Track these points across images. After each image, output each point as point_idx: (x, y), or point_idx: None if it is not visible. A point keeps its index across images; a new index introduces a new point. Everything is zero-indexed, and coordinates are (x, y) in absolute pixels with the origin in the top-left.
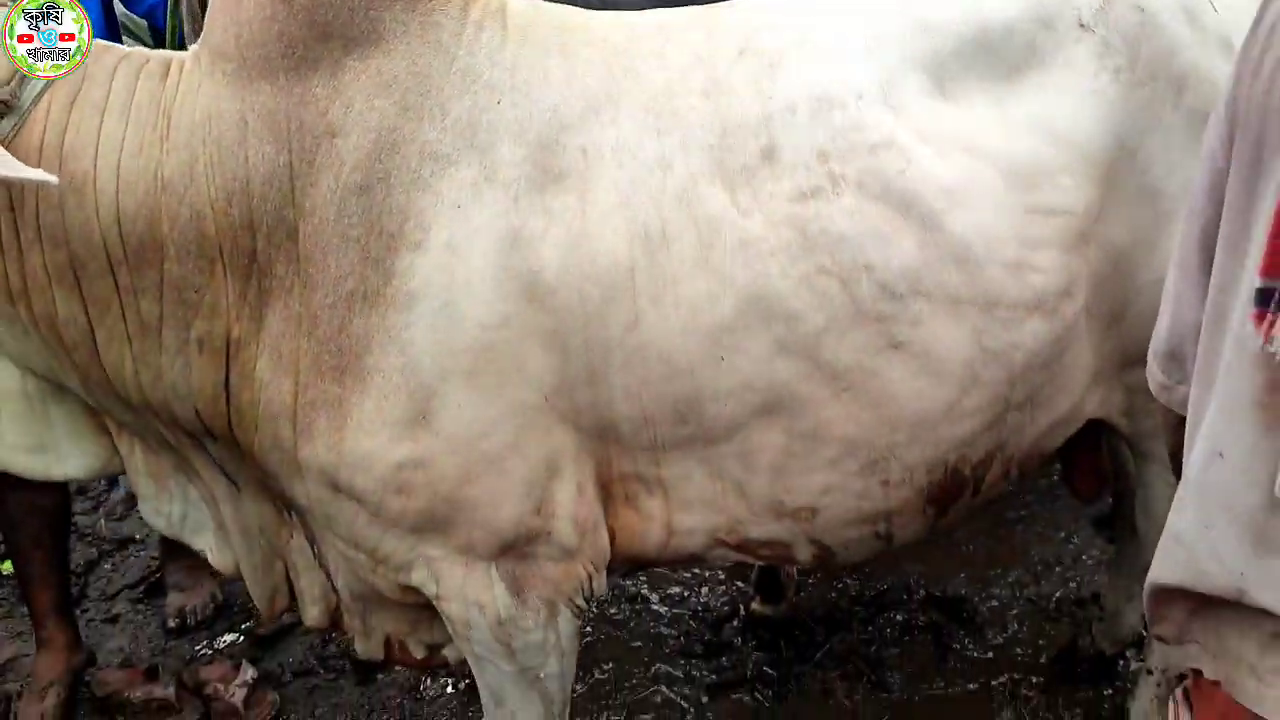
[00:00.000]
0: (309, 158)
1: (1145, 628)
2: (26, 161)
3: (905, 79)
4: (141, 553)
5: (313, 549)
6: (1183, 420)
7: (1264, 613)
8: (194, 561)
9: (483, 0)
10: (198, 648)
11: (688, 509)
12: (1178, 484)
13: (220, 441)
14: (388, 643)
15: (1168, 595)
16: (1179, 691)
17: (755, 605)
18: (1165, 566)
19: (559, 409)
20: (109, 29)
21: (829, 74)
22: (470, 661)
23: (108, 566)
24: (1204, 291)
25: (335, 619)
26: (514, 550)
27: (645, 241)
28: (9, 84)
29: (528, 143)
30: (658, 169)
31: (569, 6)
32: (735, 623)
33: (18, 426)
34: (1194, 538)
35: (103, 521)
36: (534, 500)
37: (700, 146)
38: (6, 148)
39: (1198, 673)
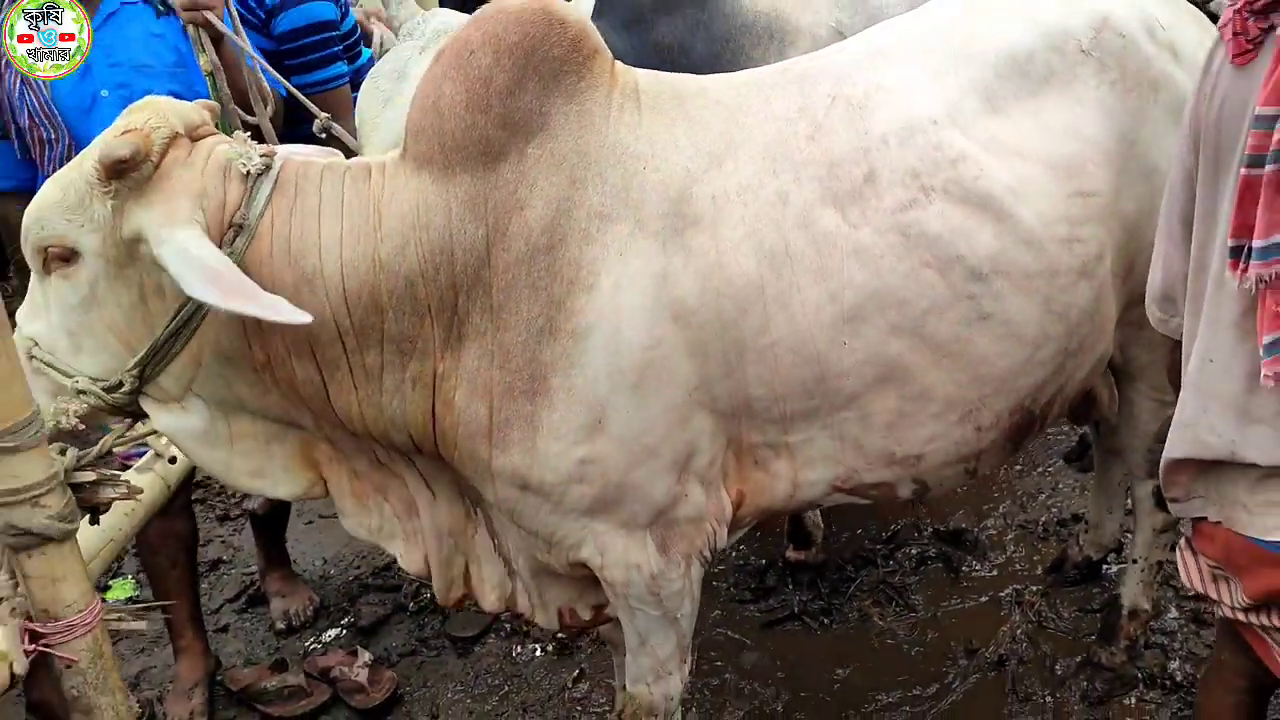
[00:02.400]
0: (502, 228)
1: (1126, 532)
2: (260, 268)
3: (964, 103)
4: (232, 570)
5: (493, 542)
6: (1177, 344)
7: (1251, 465)
8: (289, 570)
9: (620, 85)
10: (308, 644)
11: (811, 466)
12: (1173, 394)
13: (425, 457)
14: (559, 612)
15: (1177, 465)
16: (1182, 542)
17: (790, 553)
18: (1175, 446)
19: (699, 400)
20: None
21: (906, 108)
22: (622, 613)
23: (205, 585)
24: (1185, 251)
25: (509, 602)
26: (662, 516)
27: (771, 261)
28: (240, 208)
29: (669, 198)
30: (777, 202)
31: (684, 75)
32: (775, 570)
33: (247, 459)
34: (1195, 419)
35: None
36: (677, 472)
37: (811, 179)
38: (243, 260)
39: (1199, 522)
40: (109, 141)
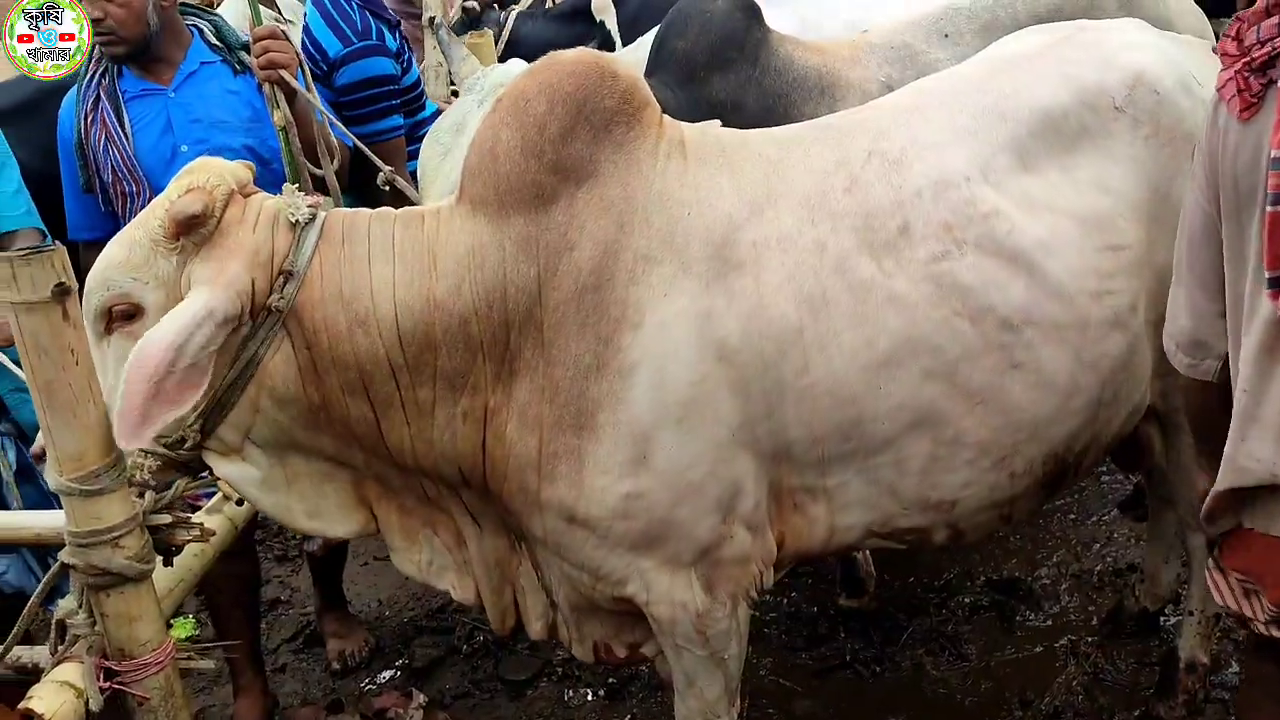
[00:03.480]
0: (553, 268)
1: (1183, 583)
2: (313, 312)
3: (997, 159)
4: (290, 611)
5: (537, 574)
6: (1203, 385)
7: None
8: (345, 611)
9: (668, 136)
10: (363, 684)
11: (848, 510)
12: (1197, 442)
13: (474, 490)
14: (595, 646)
15: (1221, 497)
16: (1210, 563)
17: (842, 601)
18: (1220, 480)
19: (743, 440)
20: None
21: (940, 164)
22: (669, 652)
23: (263, 625)
24: (1214, 294)
25: (552, 631)
26: (707, 556)
27: (810, 305)
28: (289, 255)
29: (712, 242)
30: (816, 250)
31: (729, 129)
32: (827, 618)
33: (303, 499)
34: (1235, 450)
35: None
36: (723, 513)
37: (848, 229)
38: (295, 305)
39: (1226, 538)
40: (177, 200)
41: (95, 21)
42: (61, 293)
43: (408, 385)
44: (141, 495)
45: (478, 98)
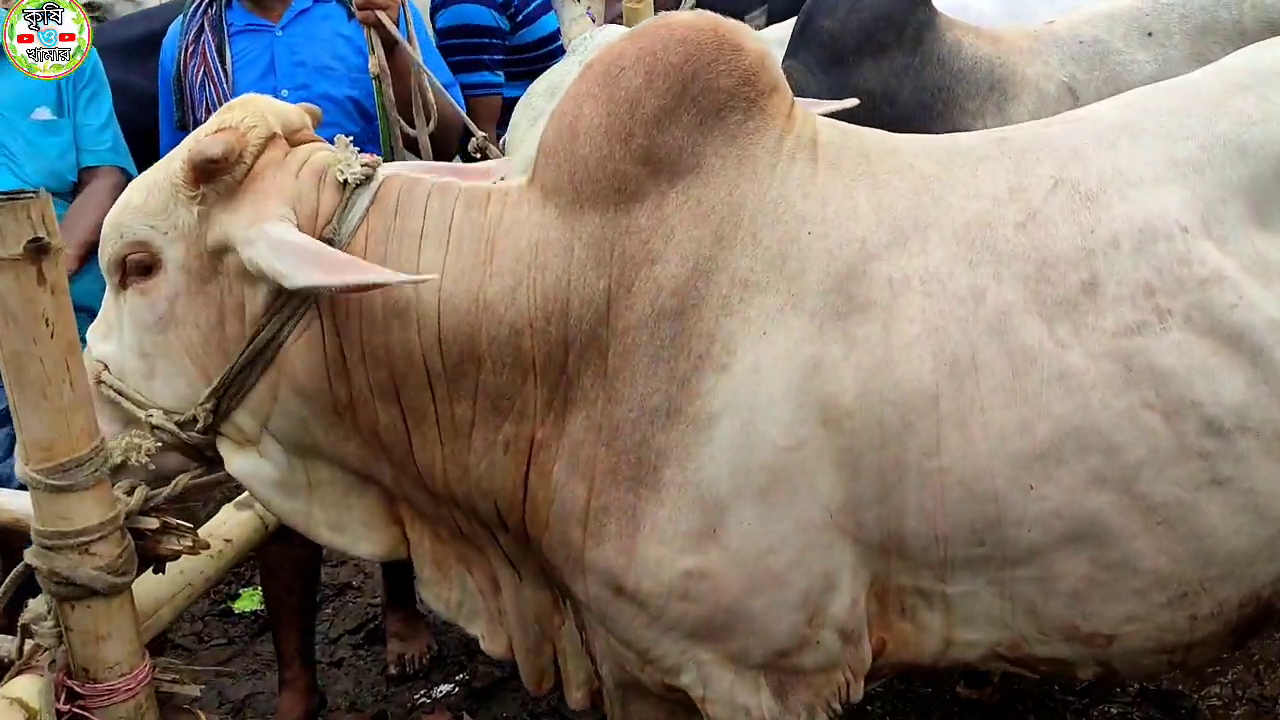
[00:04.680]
0: (628, 283)
1: None
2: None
3: (1226, 208)
4: (359, 600)
5: (581, 636)
6: None
7: None
8: (412, 611)
9: (796, 131)
10: (416, 696)
11: (970, 624)
12: None
13: (512, 534)
14: None
15: None
16: None
17: (961, 689)
18: None
19: (843, 525)
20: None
21: (1148, 206)
22: None
23: (329, 611)
24: None
25: (596, 701)
26: (783, 660)
27: (952, 369)
28: (330, 221)
29: (834, 272)
30: (969, 299)
31: (876, 132)
32: (941, 705)
33: (325, 508)
34: None
35: (323, 568)
36: (808, 612)
37: (1015, 278)
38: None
39: None
40: (200, 140)
41: None
42: (37, 250)
43: (444, 397)
44: (131, 492)
45: (579, 59)
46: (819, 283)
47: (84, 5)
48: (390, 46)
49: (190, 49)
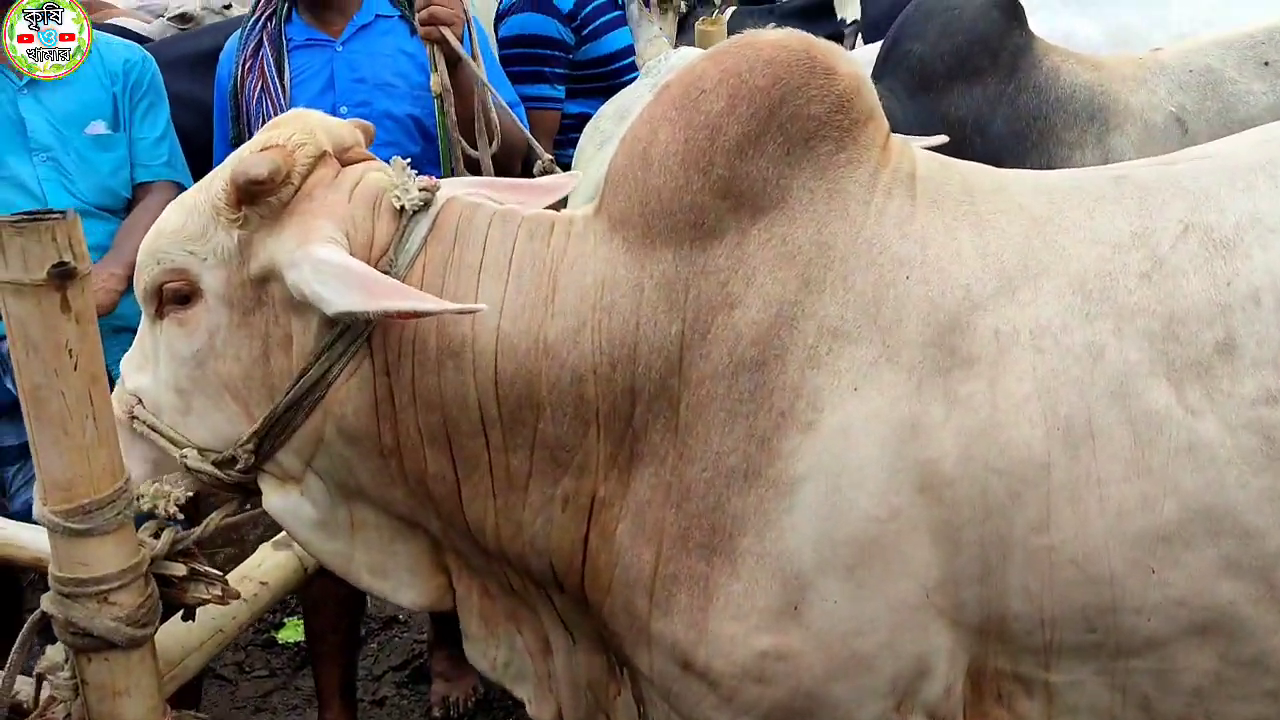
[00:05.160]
0: (703, 329)
1: None
2: (403, 330)
3: None
4: (405, 635)
5: (639, 709)
6: None
7: None
8: (459, 651)
9: (893, 164)
10: None
11: (1074, 716)
12: None
13: (568, 595)
14: None
15: None
16: None
17: None
18: None
19: (940, 605)
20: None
21: None
22: None
23: (374, 645)
24: None
25: None
26: None
27: (1066, 435)
28: (386, 252)
29: (935, 323)
30: (1086, 357)
31: (980, 166)
32: None
33: (367, 550)
34: None
35: (370, 600)
36: (897, 698)
37: (1139, 334)
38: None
39: None
40: (245, 158)
41: None
42: (62, 275)
43: (499, 446)
44: (157, 534)
45: (653, 81)
46: (917, 334)
47: (176, 16)
48: (453, 63)
49: (248, 64)
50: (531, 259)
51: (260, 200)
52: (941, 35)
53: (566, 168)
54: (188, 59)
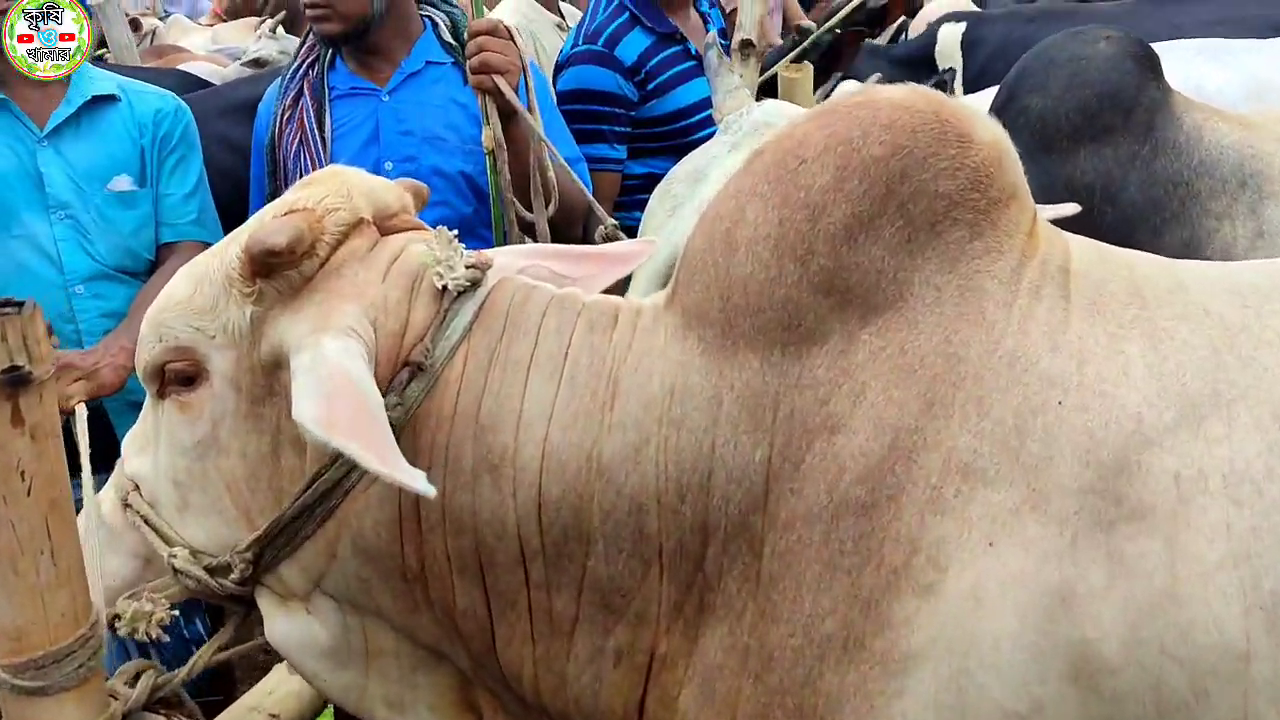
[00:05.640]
0: (796, 457)
1: None
2: (433, 431)
3: None
4: None
5: None
6: None
7: None
8: None
9: (1041, 255)
10: None
11: None
12: None
13: None
14: None
15: None
16: None
17: None
18: None
19: None
20: (477, 197)
21: None
22: None
23: None
24: None
25: None
26: None
27: (1271, 615)
28: (423, 339)
29: (1096, 462)
30: None
31: (1152, 258)
32: None
33: (384, 681)
34: None
35: None
36: None
37: None
38: (413, 416)
39: None
40: (264, 223)
41: None
42: (13, 381)
43: (540, 583)
44: (135, 678)
45: (731, 139)
46: (1072, 476)
47: (250, 61)
48: (508, 116)
49: (287, 114)
50: (589, 355)
51: (278, 273)
52: (1067, 89)
53: (631, 233)
54: (245, 105)
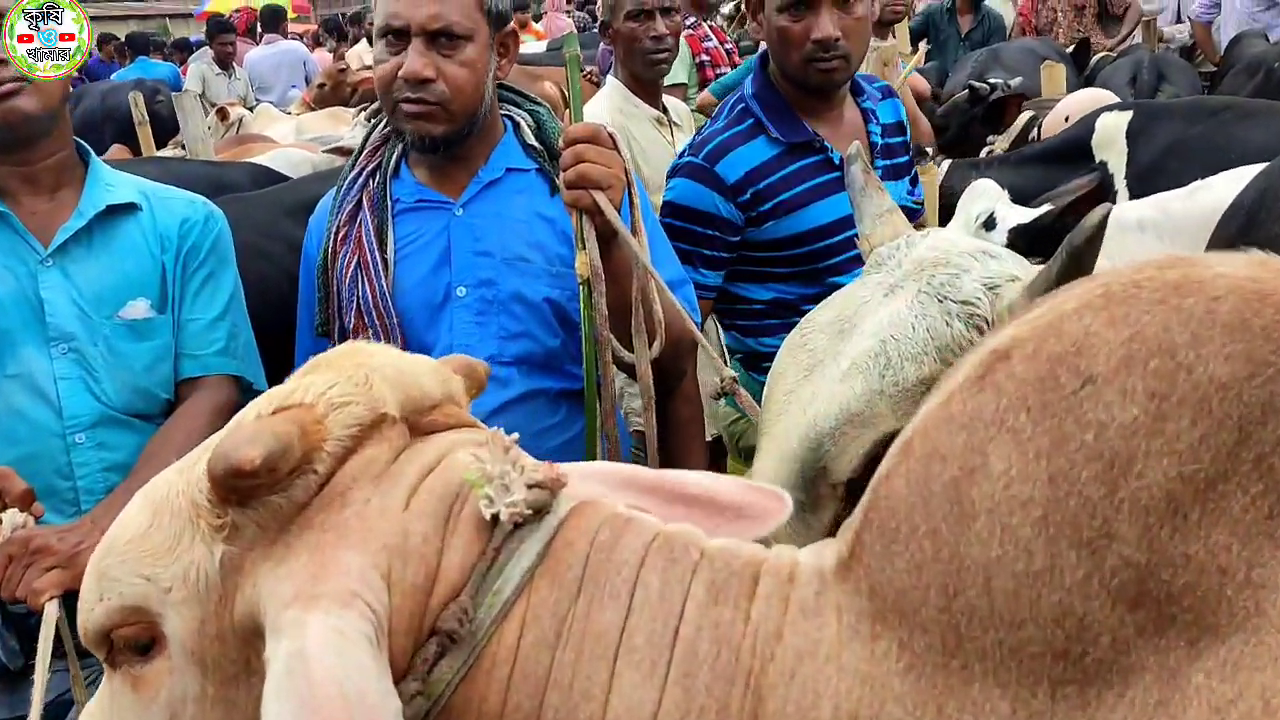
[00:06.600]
0: None
1: None
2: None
3: None
4: None
5: None
6: None
7: None
8: None
9: None
10: None
11: None
12: None
13: None
14: None
15: None
16: None
17: None
18: None
19: None
20: (565, 328)
21: None
22: None
23: None
24: None
25: None
26: None
27: None
28: (459, 595)
29: None
30: None
31: None
32: None
33: None
34: None
35: None
36: None
37: None
38: (444, 709)
39: None
40: (236, 431)
41: (419, 83)
42: None
43: None
44: None
45: (887, 280)
46: None
47: (334, 149)
48: (607, 238)
49: (342, 232)
50: (714, 643)
51: (253, 499)
52: None
53: (753, 362)
54: (303, 207)
